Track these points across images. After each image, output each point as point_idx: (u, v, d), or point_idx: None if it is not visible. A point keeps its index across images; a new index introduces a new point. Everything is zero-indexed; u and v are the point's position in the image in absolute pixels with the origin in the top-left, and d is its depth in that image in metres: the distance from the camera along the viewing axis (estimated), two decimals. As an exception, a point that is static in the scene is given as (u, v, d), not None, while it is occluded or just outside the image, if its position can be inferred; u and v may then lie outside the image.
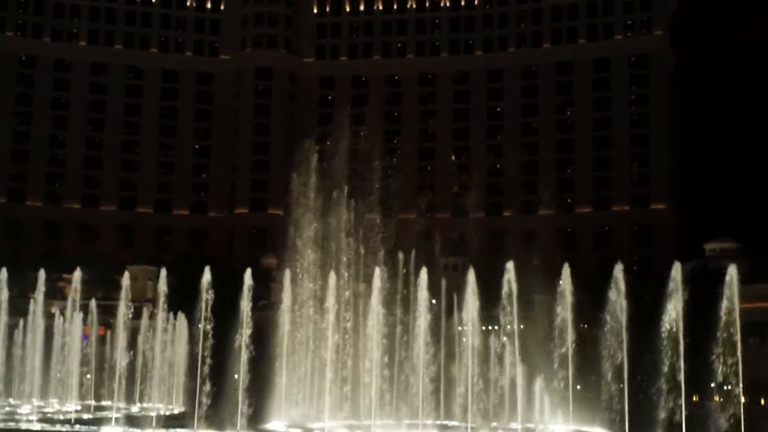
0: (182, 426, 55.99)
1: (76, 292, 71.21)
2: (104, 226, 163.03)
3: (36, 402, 70.73)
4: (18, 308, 74.55)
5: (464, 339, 64.62)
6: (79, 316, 74.31)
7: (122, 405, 68.48)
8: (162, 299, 64.40)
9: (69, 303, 75.21)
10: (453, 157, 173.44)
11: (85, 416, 65.73)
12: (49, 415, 66.37)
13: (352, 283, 69.36)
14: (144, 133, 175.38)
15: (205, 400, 61.09)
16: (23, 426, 56.00)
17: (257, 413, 58.00)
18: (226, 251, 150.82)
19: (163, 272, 63.01)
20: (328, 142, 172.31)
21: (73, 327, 75.17)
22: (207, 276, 57.26)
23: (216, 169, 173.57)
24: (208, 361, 62.80)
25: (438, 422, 61.99)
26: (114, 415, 59.63)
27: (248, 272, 57.54)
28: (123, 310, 64.96)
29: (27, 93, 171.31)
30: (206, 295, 57.17)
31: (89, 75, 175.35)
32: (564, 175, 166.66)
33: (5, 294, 67.20)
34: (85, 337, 78.48)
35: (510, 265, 55.90)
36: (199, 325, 62.00)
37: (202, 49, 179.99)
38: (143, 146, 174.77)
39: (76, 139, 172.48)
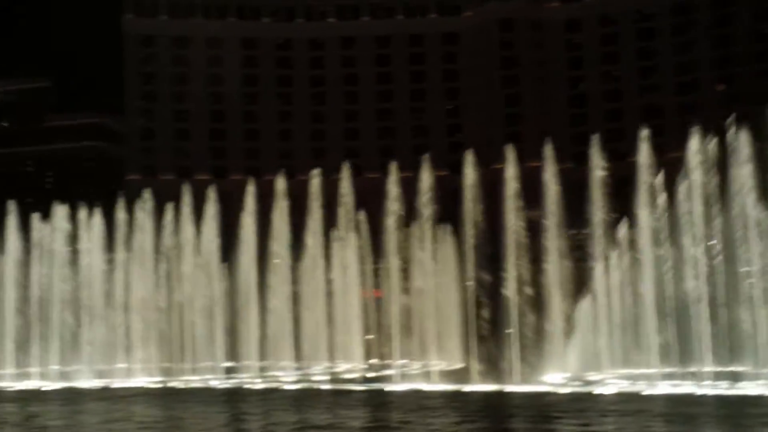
0: (460, 381, 57.25)
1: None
2: (367, 192, 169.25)
3: (325, 363, 75.05)
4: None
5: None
6: (356, 279, 78.08)
7: (404, 362, 71.18)
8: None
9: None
10: (722, 86, 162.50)
11: (371, 375, 69.16)
12: (338, 375, 70.46)
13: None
14: (396, 100, 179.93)
15: (482, 354, 62.09)
16: (315, 386, 59.93)
17: (534, 365, 58.05)
18: (488, 208, 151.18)
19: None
20: (580, 86, 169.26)
21: (350, 289, 79.00)
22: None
23: (469, 128, 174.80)
24: (483, 315, 63.77)
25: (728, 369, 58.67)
26: (396, 372, 62.21)
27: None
28: (395, 271, 67.58)
29: (286, 75, 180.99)
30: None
31: (340, 49, 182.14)
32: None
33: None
34: (364, 299, 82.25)
35: None
36: (467, 282, 62.99)
37: (444, 9, 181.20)
38: (397, 113, 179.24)
39: (334, 113, 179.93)
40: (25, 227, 76.21)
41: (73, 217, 75.99)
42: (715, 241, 58.44)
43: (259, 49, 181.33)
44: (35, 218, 76.08)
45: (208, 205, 76.94)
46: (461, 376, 62.19)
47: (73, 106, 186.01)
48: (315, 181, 77.82)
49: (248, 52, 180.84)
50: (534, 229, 68.14)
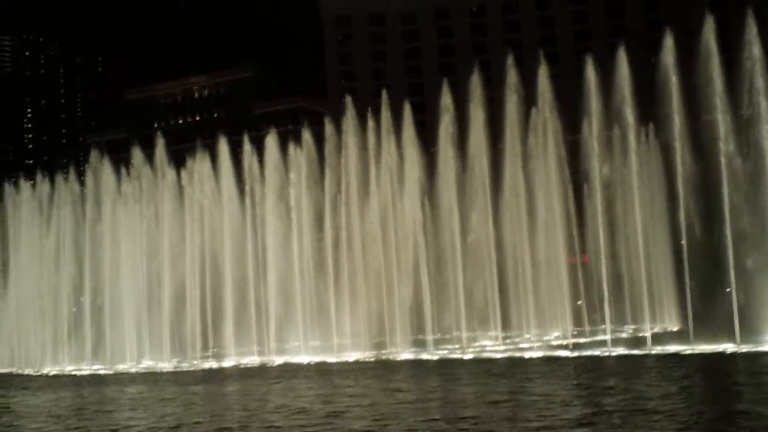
0: (676, 343, 54.75)
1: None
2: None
3: (534, 331, 74.02)
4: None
5: None
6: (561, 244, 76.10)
7: (616, 327, 69.00)
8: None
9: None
10: None
11: (581, 341, 67.58)
12: (548, 342, 69.32)
13: None
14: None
15: (700, 315, 58.97)
16: (526, 354, 59.28)
17: (755, 322, 54.45)
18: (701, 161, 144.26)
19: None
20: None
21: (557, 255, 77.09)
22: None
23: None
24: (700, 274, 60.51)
25: None
26: (607, 337, 60.33)
27: None
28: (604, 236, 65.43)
29: (481, 42, 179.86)
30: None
31: (535, 10, 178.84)
32: None
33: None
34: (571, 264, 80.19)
35: None
36: (681, 242, 59.90)
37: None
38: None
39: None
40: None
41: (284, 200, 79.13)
42: None
43: (452, 19, 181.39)
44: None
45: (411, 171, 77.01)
46: (678, 338, 59.51)
47: (278, 93, 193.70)
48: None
49: (442, 22, 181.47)
50: (754, 181, 63.67)
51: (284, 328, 75.81)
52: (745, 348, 49.47)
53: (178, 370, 68.65)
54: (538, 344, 66.18)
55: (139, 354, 77.11)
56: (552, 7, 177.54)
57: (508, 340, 71.85)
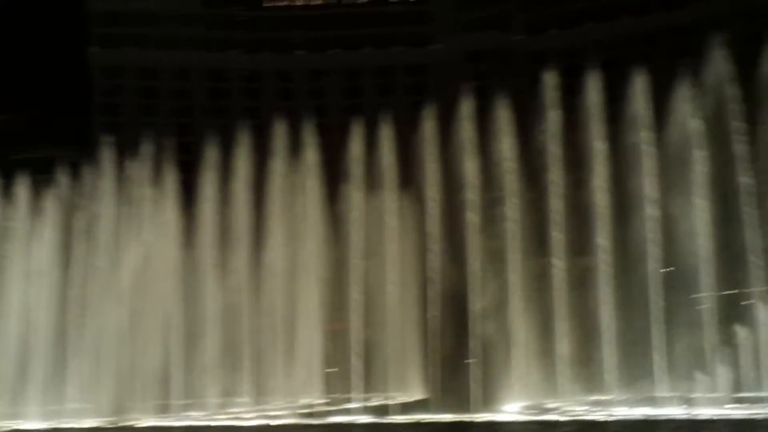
0: (420, 411, 56.21)
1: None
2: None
3: (285, 397, 73.27)
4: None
5: None
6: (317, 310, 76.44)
7: (364, 396, 69.68)
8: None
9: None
10: None
11: (330, 408, 67.63)
12: (297, 409, 68.71)
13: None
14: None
15: (443, 384, 60.76)
16: (274, 422, 58.38)
17: (491, 393, 56.91)
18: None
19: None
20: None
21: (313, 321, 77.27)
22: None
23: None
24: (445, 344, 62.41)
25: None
26: (356, 405, 60.90)
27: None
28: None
29: (255, 107, 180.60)
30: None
31: (309, 82, 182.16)
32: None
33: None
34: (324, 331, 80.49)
35: None
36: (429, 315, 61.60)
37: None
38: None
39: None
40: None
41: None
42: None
43: (227, 82, 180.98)
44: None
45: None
46: (422, 407, 60.99)
47: (36, 140, 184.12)
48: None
49: (216, 84, 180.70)
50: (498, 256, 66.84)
51: (19, 391, 70.58)
52: (481, 417, 51.40)
53: None
54: (287, 411, 65.55)
55: None
56: (323, 78, 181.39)
57: (258, 407, 70.60)
